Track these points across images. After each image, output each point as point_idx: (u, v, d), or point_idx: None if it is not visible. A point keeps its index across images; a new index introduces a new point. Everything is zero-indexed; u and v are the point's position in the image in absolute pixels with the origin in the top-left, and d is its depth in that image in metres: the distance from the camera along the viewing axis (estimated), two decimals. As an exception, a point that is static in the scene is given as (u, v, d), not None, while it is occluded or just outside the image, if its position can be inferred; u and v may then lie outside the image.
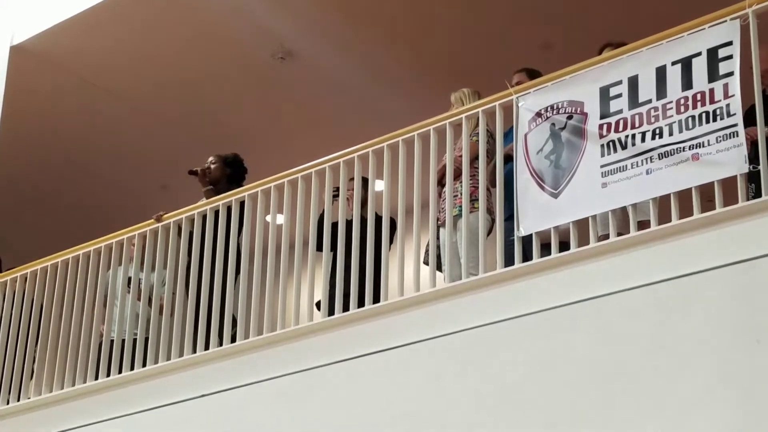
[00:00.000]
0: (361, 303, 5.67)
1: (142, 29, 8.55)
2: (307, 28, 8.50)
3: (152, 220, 6.65)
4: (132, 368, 6.38)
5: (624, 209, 5.05)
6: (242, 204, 6.36)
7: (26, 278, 7.11)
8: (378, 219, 5.86)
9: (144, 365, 6.33)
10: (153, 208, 6.97)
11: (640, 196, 4.98)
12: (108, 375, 6.47)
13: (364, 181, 6.14)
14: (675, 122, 4.93)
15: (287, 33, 8.57)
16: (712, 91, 4.86)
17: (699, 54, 4.94)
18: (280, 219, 6.21)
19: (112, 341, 6.62)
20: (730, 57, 4.84)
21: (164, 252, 6.56)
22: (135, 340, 6.45)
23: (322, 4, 8.20)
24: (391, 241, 5.93)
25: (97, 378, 6.52)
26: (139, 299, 6.58)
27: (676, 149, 4.89)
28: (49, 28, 8.61)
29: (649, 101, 5.05)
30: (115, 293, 6.70)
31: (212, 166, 7.15)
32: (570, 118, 5.30)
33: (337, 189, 6.04)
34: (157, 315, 6.48)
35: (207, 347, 6.13)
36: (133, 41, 8.68)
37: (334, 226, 5.96)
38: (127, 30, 8.57)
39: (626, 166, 5.04)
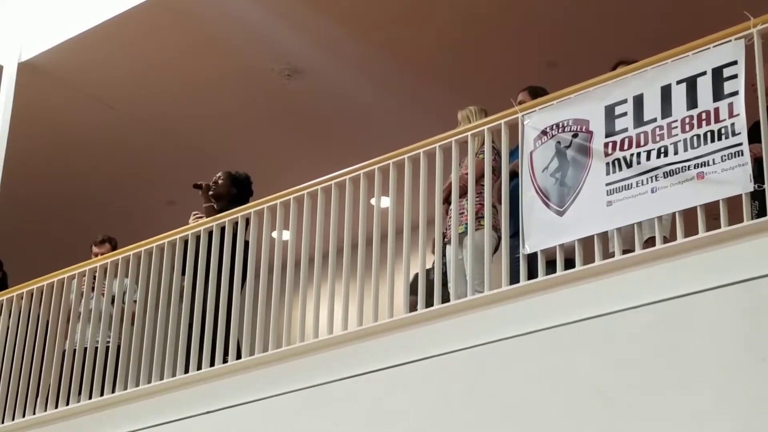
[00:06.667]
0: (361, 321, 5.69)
1: (149, 46, 8.59)
2: (314, 45, 8.53)
3: (160, 236, 6.64)
4: (137, 384, 6.38)
5: (639, 225, 5.02)
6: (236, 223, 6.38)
7: (32, 294, 7.11)
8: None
9: (150, 381, 6.34)
10: (159, 224, 6.97)
11: (645, 214, 4.98)
12: (113, 391, 6.47)
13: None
14: (680, 141, 4.94)
15: (294, 50, 8.60)
16: (717, 110, 4.87)
17: (704, 73, 4.95)
18: (286, 235, 6.22)
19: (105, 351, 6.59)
20: (735, 76, 4.84)
21: (170, 269, 6.57)
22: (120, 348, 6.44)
23: (331, 21, 8.24)
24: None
25: (102, 394, 6.52)
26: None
27: (681, 168, 4.89)
28: (56, 45, 8.66)
29: (654, 120, 5.06)
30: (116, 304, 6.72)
31: (219, 182, 7.00)
32: (575, 136, 5.31)
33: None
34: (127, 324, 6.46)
35: (212, 363, 6.14)
36: (139, 57, 8.72)
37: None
38: (134, 46, 8.62)
39: (631, 184, 5.04)
